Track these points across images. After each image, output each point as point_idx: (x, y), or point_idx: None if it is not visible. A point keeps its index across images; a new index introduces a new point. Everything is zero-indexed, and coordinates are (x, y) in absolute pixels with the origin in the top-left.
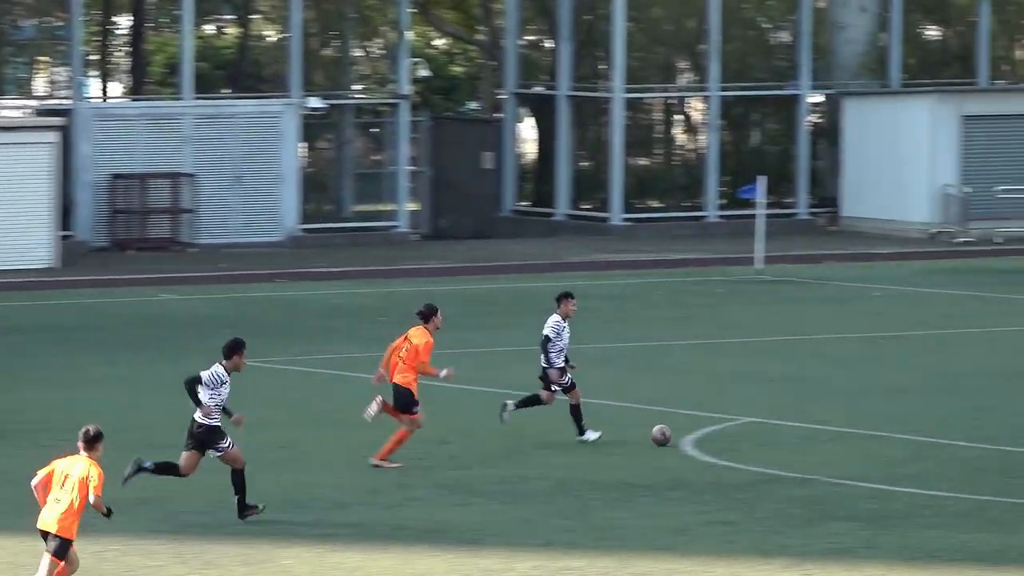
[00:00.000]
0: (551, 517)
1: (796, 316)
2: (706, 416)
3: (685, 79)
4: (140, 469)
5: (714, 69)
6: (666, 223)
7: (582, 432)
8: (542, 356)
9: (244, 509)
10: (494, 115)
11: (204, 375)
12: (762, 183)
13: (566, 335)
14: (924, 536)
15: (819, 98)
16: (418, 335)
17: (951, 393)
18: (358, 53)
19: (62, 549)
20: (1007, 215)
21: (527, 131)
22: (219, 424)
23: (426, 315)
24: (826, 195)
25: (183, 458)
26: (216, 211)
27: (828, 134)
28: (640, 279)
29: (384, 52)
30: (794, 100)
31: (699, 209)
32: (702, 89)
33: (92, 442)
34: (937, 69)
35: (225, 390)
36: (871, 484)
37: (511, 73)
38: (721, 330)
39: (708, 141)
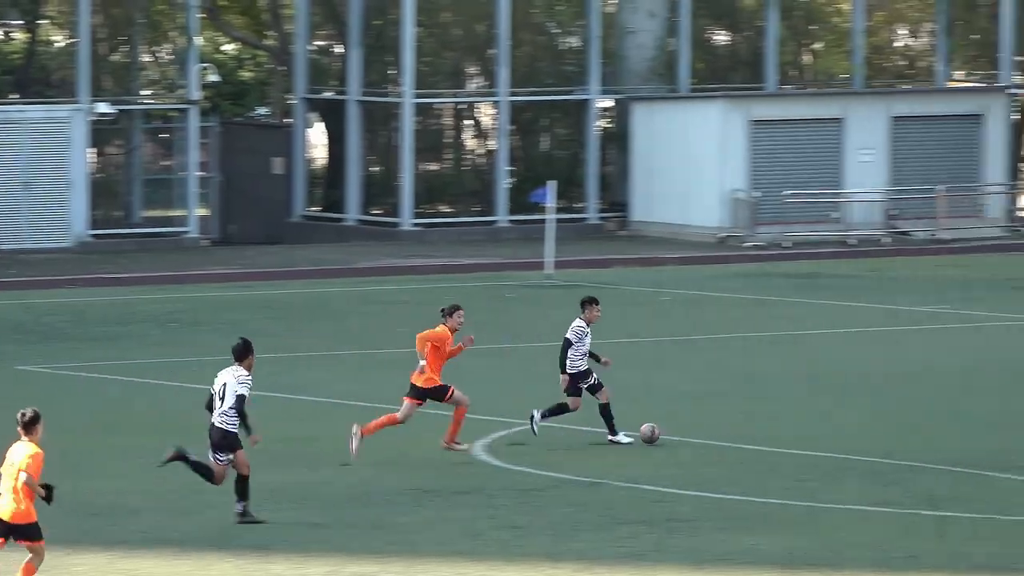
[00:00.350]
0: (343, 522)
1: None
2: (497, 420)
3: (475, 84)
4: (180, 457)
5: (503, 74)
6: (456, 228)
7: (614, 433)
8: (562, 359)
9: (182, 458)
10: (284, 120)
11: (245, 392)
12: (552, 188)
13: (588, 340)
14: (713, 539)
15: (609, 103)
16: (437, 329)
17: (740, 396)
18: (147, 58)
19: (31, 532)
20: (795, 219)
21: (317, 136)
22: (237, 432)
23: (447, 313)
24: (616, 200)
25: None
26: (4, 217)
27: (618, 139)
28: (430, 284)
29: (173, 57)
30: (583, 105)
31: (489, 214)
32: (492, 94)
33: (29, 425)
34: (726, 74)
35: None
36: (661, 488)
37: (301, 78)
38: (511, 335)
39: (498, 146)
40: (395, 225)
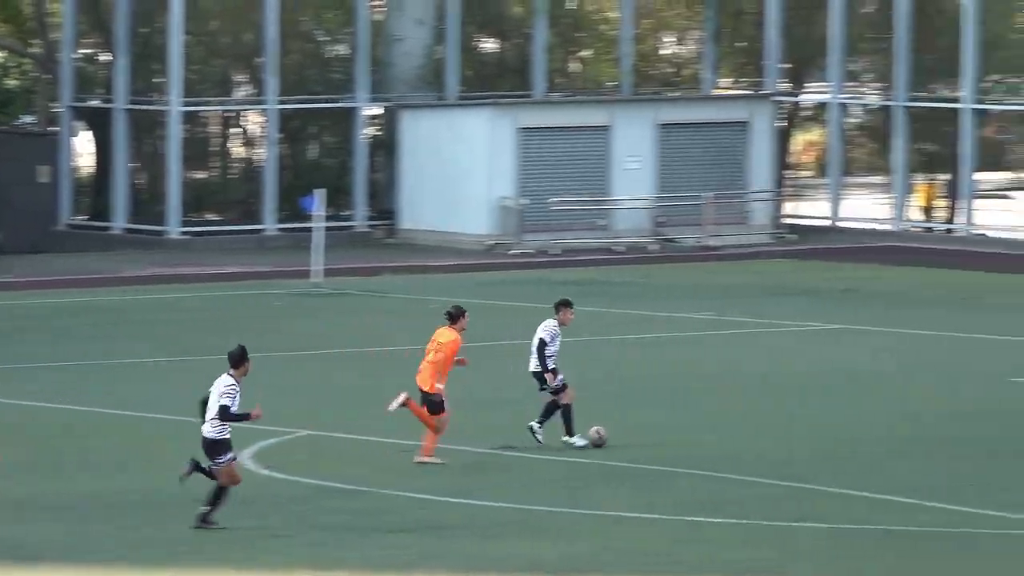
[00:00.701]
0: (117, 532)
1: (353, 328)
2: (263, 429)
3: (243, 92)
4: (198, 468)
5: (272, 82)
6: (224, 236)
7: (571, 435)
8: (534, 359)
9: (205, 519)
10: (49, 128)
11: (227, 402)
12: (320, 196)
13: (558, 341)
14: (483, 546)
15: (377, 110)
16: (446, 334)
17: (507, 403)
18: None
19: None
20: (562, 227)
21: (83, 144)
22: (228, 437)
23: (454, 316)
24: (384, 207)
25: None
26: None
27: (386, 146)
28: (198, 292)
29: None
30: (351, 112)
31: (257, 222)
32: (260, 102)
33: None
34: (494, 81)
35: (239, 398)
36: (430, 496)
37: (66, 86)
38: (279, 343)
39: (266, 154)
40: (162, 233)
